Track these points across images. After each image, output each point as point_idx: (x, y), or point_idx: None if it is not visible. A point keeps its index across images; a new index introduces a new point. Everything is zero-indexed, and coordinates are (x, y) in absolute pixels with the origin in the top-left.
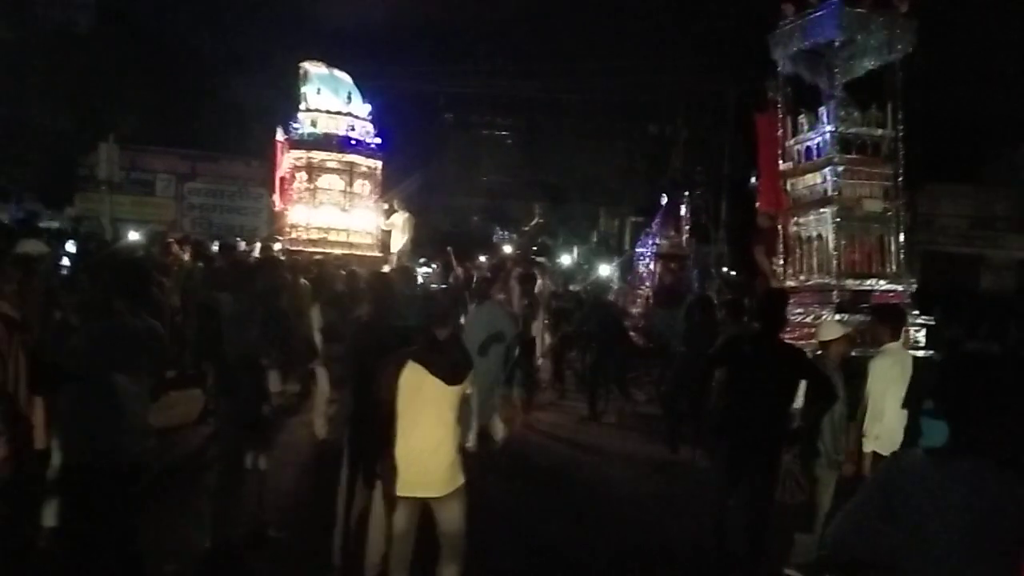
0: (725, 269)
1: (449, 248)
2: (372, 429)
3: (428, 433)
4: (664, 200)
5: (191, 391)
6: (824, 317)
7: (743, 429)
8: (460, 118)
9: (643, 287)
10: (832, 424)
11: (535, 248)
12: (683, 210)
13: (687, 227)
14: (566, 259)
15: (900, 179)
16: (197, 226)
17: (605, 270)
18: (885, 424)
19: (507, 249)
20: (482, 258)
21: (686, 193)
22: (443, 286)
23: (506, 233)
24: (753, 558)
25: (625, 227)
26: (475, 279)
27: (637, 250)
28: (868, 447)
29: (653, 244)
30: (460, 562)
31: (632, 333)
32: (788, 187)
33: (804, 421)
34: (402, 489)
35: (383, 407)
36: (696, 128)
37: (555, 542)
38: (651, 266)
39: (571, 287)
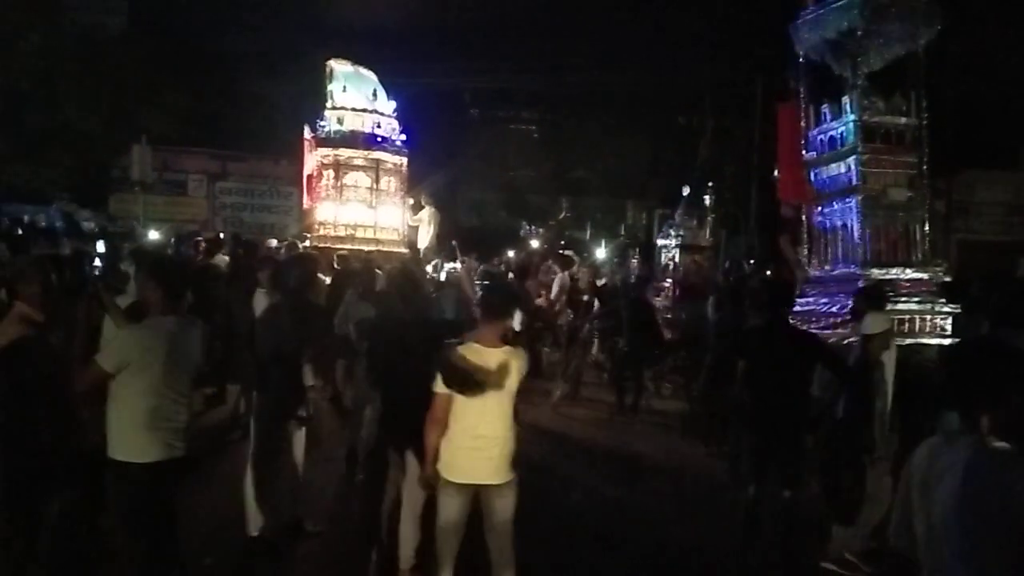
0: (752, 260)
1: (454, 242)
2: (405, 423)
3: (494, 420)
4: (686, 191)
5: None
6: (849, 306)
7: (762, 419)
8: (485, 113)
9: (667, 279)
10: (877, 414)
11: (563, 242)
12: (706, 201)
13: (710, 218)
14: (597, 253)
15: (925, 167)
16: (229, 225)
17: (633, 263)
18: None
19: (534, 243)
20: (510, 253)
21: (709, 184)
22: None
23: (532, 227)
24: (784, 548)
25: (653, 219)
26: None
27: (659, 242)
28: None
29: (677, 236)
30: (513, 562)
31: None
32: (812, 177)
33: (836, 408)
34: (458, 475)
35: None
36: (723, 119)
37: (586, 537)
38: (675, 258)
39: (599, 281)
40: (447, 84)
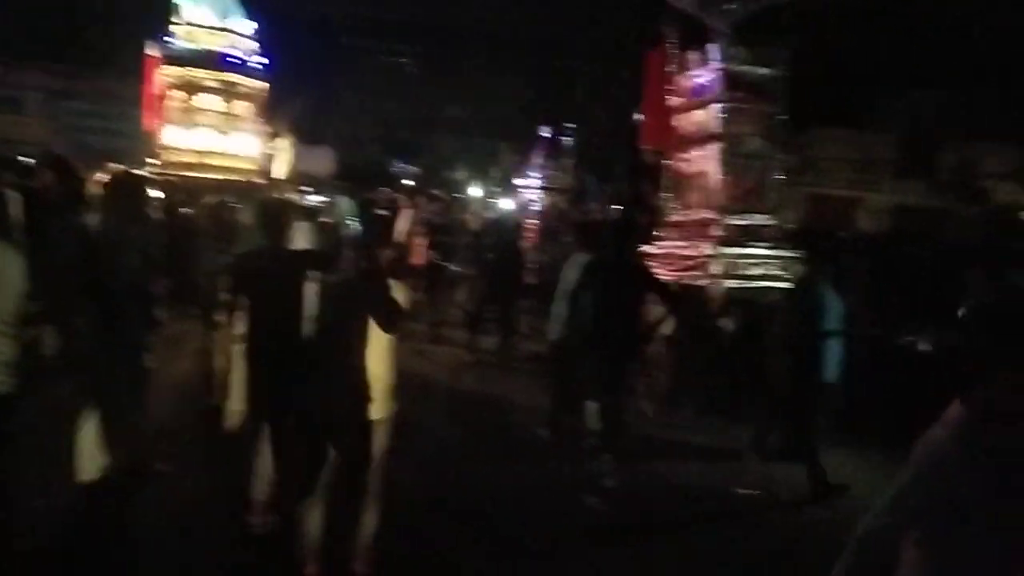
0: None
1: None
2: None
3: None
4: (548, 133)
5: None
6: (705, 250)
7: (601, 343)
8: (358, 42)
9: (528, 221)
10: None
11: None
12: (564, 143)
13: (573, 162)
14: (470, 192)
15: (783, 118)
16: (71, 149)
17: (506, 204)
18: None
19: (405, 182)
20: (382, 190)
21: (570, 125)
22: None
23: (404, 165)
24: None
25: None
26: None
27: (517, 182)
28: None
29: (537, 178)
30: (380, 498)
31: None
32: (675, 123)
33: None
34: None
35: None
36: (599, 64)
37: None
38: (536, 199)
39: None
40: (317, 9)
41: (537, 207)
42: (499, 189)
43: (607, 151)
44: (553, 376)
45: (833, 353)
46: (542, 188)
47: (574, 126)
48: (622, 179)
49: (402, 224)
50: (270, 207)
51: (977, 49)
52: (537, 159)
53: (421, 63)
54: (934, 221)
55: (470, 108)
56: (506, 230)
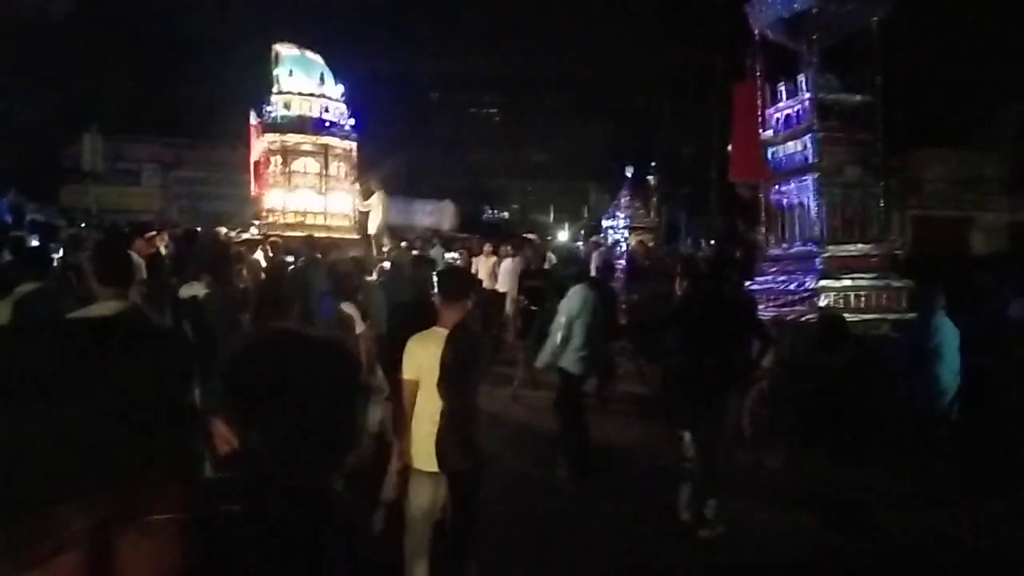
0: (712, 241)
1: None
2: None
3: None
4: (630, 172)
5: None
6: (808, 284)
7: (696, 377)
8: (444, 97)
9: (618, 261)
10: None
11: (526, 227)
12: (651, 181)
13: (654, 198)
14: (560, 236)
15: (879, 144)
16: (185, 215)
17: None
18: None
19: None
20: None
21: (652, 164)
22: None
23: (495, 212)
24: (704, 487)
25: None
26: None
27: (604, 223)
28: None
29: (625, 217)
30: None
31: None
32: (768, 156)
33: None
34: (427, 463)
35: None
36: (681, 101)
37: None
38: (623, 239)
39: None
40: (403, 68)
41: (623, 246)
42: (588, 231)
43: (696, 187)
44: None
45: (950, 383)
46: (628, 227)
47: (657, 164)
48: (714, 214)
49: (502, 275)
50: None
51: None
52: (623, 199)
53: (507, 112)
54: None
55: (557, 153)
56: (601, 273)
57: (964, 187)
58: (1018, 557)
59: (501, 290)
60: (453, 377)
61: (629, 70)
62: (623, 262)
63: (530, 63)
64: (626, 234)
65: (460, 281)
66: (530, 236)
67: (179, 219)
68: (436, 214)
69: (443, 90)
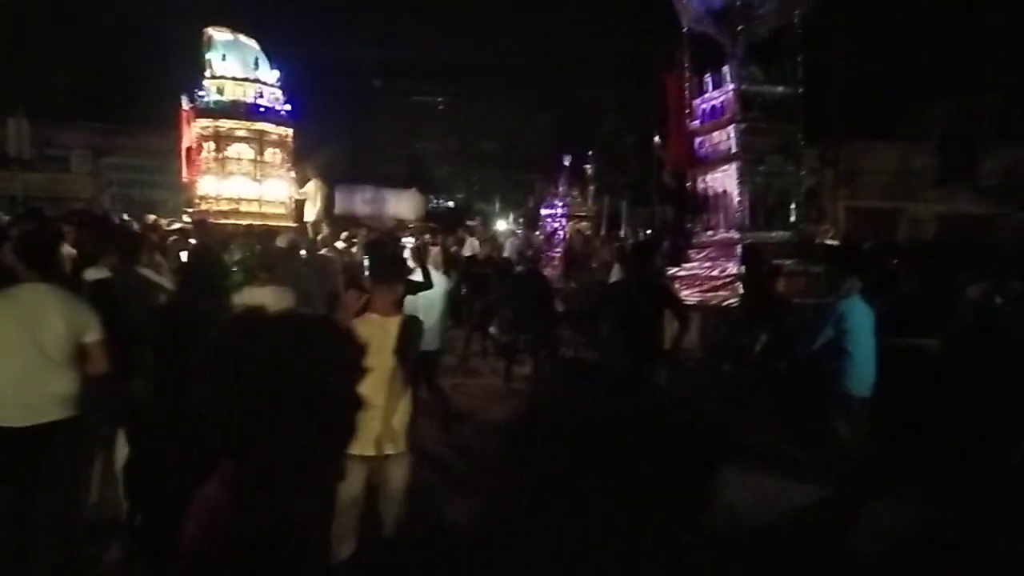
0: (650, 231)
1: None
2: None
3: (391, 390)
4: (567, 160)
5: None
6: (729, 269)
7: (624, 357)
8: (389, 84)
9: (555, 250)
10: None
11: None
12: (588, 170)
13: (592, 188)
14: (501, 224)
15: (800, 135)
16: (117, 203)
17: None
18: None
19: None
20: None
21: (589, 152)
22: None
23: (439, 201)
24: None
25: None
26: None
27: (543, 211)
28: None
29: (563, 206)
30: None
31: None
32: (696, 145)
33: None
34: (356, 447)
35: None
36: (625, 91)
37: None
38: (560, 227)
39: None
40: (345, 54)
41: (561, 235)
42: (529, 220)
43: (637, 176)
44: None
45: (863, 365)
46: (565, 216)
47: (600, 153)
48: (655, 203)
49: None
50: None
51: (1013, 54)
52: (560, 187)
53: (452, 100)
54: (978, 228)
55: (502, 142)
56: (531, 260)
57: (895, 179)
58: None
59: None
60: (406, 363)
61: (573, 59)
62: (559, 250)
63: (475, 51)
64: (564, 222)
65: (391, 264)
66: (472, 224)
67: (111, 207)
68: (403, 203)
69: (387, 77)
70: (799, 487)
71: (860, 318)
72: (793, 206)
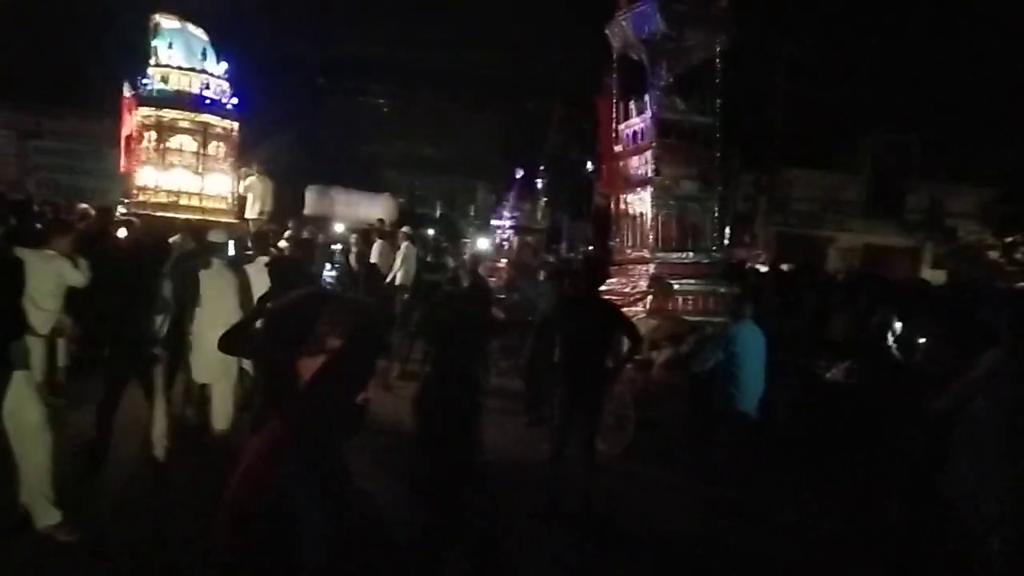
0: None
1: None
2: None
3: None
4: (519, 174)
5: None
6: (640, 286)
7: (572, 377)
8: (332, 83)
9: (501, 260)
10: None
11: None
12: (538, 184)
13: (542, 201)
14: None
15: (716, 162)
16: (44, 187)
17: (482, 243)
18: None
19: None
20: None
21: (541, 167)
22: None
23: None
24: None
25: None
26: None
27: (493, 222)
28: None
29: (511, 217)
30: None
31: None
32: (620, 168)
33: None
34: None
35: None
36: (570, 106)
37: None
38: (508, 239)
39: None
40: (291, 49)
41: (510, 246)
42: (475, 228)
43: (579, 192)
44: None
45: (749, 385)
46: (515, 228)
47: (544, 167)
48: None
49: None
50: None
51: (941, 92)
52: (512, 199)
53: (396, 103)
54: (902, 259)
55: (446, 148)
56: (475, 269)
57: (826, 208)
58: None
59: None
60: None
61: (522, 70)
62: (504, 261)
63: (422, 55)
64: (511, 234)
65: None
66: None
67: (36, 192)
68: (375, 206)
69: (331, 76)
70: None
71: (749, 342)
72: (707, 230)
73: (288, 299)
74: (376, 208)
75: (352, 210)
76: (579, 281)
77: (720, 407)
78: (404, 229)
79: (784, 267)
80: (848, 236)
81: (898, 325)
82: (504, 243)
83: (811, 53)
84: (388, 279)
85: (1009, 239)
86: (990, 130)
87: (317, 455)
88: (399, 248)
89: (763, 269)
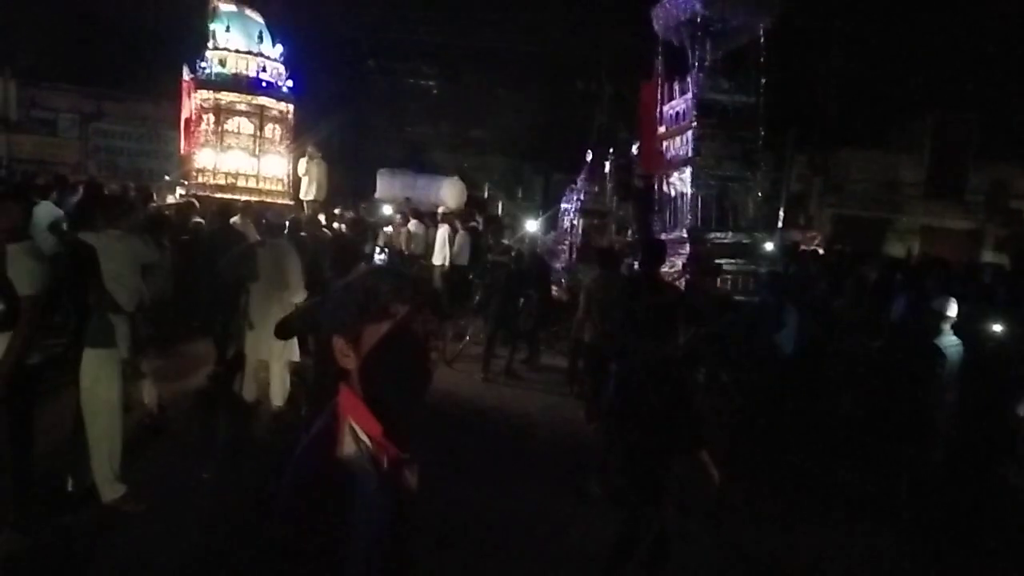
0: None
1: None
2: None
3: None
4: (589, 156)
5: None
6: (678, 266)
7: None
8: (383, 65)
9: (566, 243)
10: None
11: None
12: (607, 166)
13: (610, 184)
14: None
15: (760, 142)
16: (103, 169)
17: (532, 225)
18: None
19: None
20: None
21: (610, 150)
22: None
23: None
24: None
25: (549, 183)
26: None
27: (562, 206)
28: None
29: (577, 200)
30: None
31: (555, 288)
32: (664, 149)
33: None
34: None
35: None
36: (620, 86)
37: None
38: (575, 221)
39: (503, 241)
40: (344, 33)
41: (574, 228)
42: (526, 209)
43: (623, 173)
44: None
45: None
46: (580, 210)
47: (616, 149)
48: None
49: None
50: None
51: (1004, 71)
52: (580, 182)
53: (445, 84)
54: (963, 242)
55: (493, 129)
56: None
57: (882, 189)
58: None
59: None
60: None
61: (569, 51)
62: (567, 243)
63: (470, 36)
64: (577, 217)
65: None
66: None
67: (97, 173)
68: (443, 190)
69: (380, 58)
70: None
71: (788, 319)
72: (749, 210)
73: (356, 276)
74: (445, 191)
75: (421, 193)
76: (643, 263)
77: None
78: (440, 210)
79: (838, 247)
80: (906, 218)
81: (953, 310)
82: (569, 225)
83: (868, 30)
84: (439, 262)
85: None
86: None
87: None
88: (459, 231)
89: (819, 251)
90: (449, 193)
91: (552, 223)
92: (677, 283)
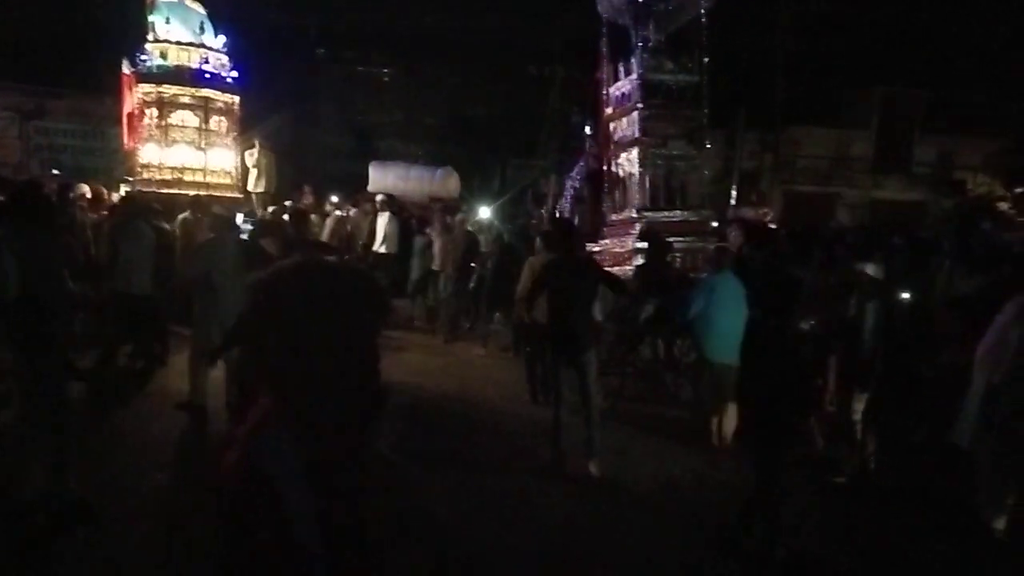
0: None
1: None
2: None
3: None
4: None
5: None
6: (629, 245)
7: (557, 329)
8: (332, 53)
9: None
10: None
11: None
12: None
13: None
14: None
15: (704, 121)
16: (46, 168)
17: (486, 212)
18: None
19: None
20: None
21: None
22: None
23: None
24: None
25: (506, 168)
26: None
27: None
28: None
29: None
30: None
31: None
32: (612, 130)
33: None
34: None
35: None
36: (573, 70)
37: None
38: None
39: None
40: (291, 21)
41: (531, 211)
42: (481, 194)
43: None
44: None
45: (729, 334)
46: (534, 194)
47: (548, 132)
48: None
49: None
50: None
51: (949, 45)
52: (574, 170)
53: (399, 72)
54: (911, 214)
55: (446, 117)
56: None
57: (832, 164)
58: None
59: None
60: None
61: (523, 36)
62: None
63: (420, 23)
64: (531, 199)
65: None
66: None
67: (40, 173)
68: (437, 181)
69: (330, 47)
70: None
71: (728, 291)
72: (695, 188)
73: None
74: (439, 182)
75: (414, 185)
76: (554, 242)
77: (699, 355)
78: (379, 198)
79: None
80: (856, 192)
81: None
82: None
83: (814, 6)
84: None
85: (1019, 190)
86: (997, 81)
87: (303, 430)
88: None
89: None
90: (444, 183)
91: (513, 208)
92: (630, 261)
